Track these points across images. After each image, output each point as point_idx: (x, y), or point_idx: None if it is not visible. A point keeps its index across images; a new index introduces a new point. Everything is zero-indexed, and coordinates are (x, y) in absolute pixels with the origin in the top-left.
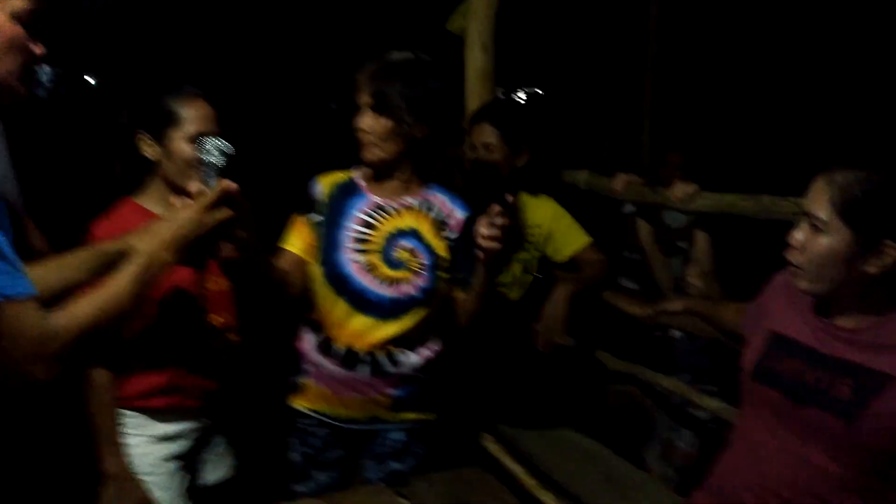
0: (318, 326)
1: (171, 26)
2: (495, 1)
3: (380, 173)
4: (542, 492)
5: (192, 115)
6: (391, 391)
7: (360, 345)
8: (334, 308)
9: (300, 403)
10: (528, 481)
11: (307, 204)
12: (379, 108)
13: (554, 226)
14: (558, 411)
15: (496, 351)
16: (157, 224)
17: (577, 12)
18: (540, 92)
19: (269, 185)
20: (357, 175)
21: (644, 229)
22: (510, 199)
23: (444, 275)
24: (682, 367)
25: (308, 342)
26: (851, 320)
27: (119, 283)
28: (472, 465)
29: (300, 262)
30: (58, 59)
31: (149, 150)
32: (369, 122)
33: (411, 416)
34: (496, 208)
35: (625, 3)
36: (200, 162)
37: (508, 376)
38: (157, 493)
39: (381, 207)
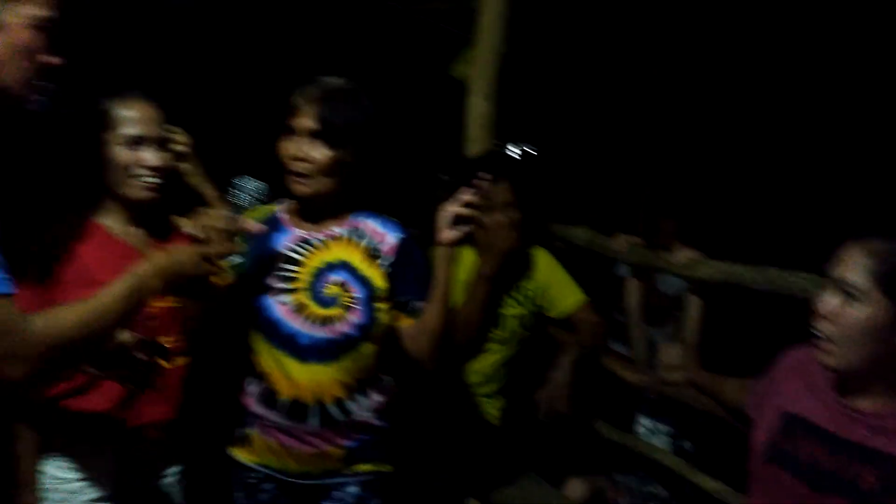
0: (257, 376)
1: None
2: (499, 50)
3: (308, 206)
4: None
5: (129, 117)
6: (343, 442)
7: (304, 394)
8: (269, 356)
9: (246, 456)
10: None
11: None
12: (324, 137)
13: (549, 280)
14: (546, 477)
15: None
16: (158, 253)
17: (580, 67)
18: (531, 150)
19: None
20: (280, 209)
21: (633, 293)
22: (485, 178)
23: (383, 306)
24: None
25: (250, 392)
26: (874, 402)
27: (104, 300)
28: None
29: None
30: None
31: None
32: (310, 152)
33: (366, 467)
34: (466, 190)
35: (628, 62)
36: (230, 201)
37: (496, 435)
38: None
39: (306, 241)
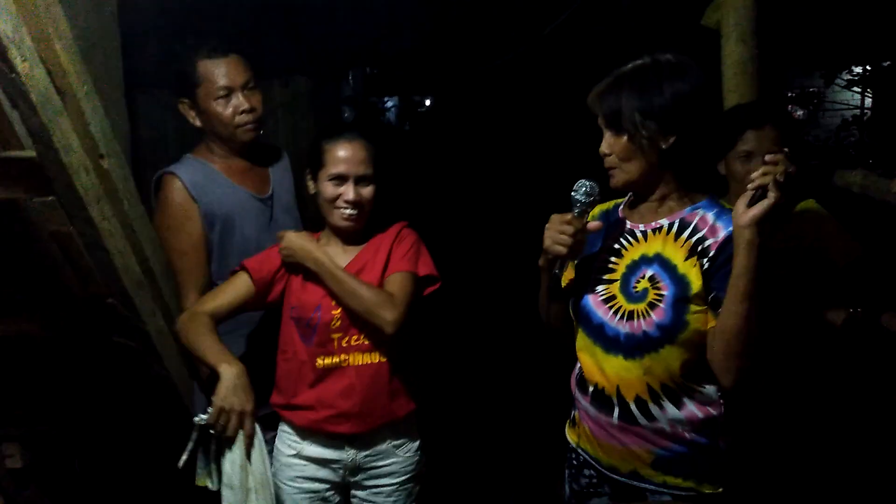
0: (577, 359)
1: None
2: None
3: (635, 198)
4: None
5: (336, 157)
6: (648, 446)
7: (608, 385)
8: (581, 341)
9: (572, 437)
10: None
11: None
12: (613, 126)
13: (819, 234)
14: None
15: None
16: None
17: None
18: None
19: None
20: (622, 201)
21: None
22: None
23: (696, 308)
24: None
25: (574, 374)
26: None
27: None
28: None
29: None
30: (396, 90)
31: (310, 185)
32: (608, 143)
33: (678, 481)
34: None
35: None
36: (574, 200)
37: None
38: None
39: (630, 233)
